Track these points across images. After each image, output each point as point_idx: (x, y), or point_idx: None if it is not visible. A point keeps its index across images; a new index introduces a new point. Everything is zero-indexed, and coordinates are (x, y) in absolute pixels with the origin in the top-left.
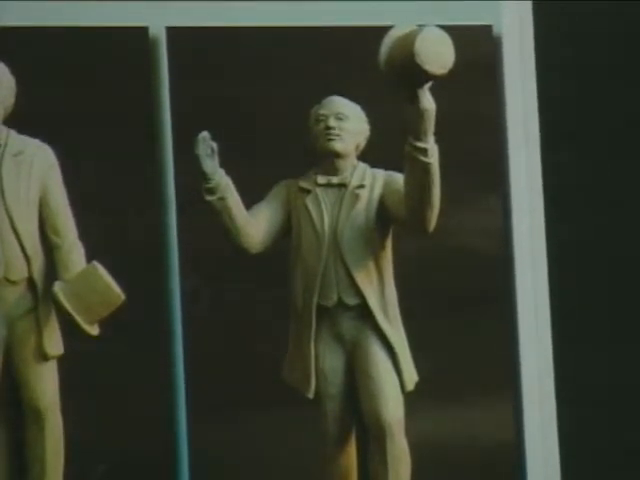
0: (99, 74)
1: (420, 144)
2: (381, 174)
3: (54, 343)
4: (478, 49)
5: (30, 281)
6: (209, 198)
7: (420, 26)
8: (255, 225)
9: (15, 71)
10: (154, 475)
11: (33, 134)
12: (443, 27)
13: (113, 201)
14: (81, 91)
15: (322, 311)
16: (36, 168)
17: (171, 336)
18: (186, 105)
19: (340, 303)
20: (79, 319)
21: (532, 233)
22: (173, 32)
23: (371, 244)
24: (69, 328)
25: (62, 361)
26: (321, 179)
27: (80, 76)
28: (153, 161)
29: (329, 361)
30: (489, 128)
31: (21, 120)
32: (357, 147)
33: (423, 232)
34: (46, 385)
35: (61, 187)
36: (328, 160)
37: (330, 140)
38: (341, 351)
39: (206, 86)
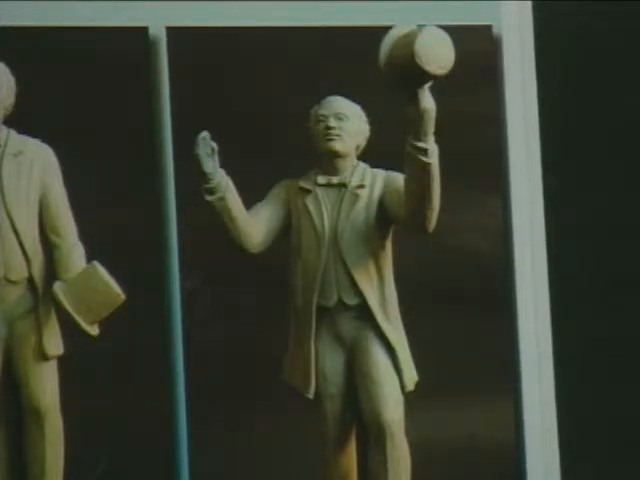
0: (99, 74)
1: (420, 144)
2: (381, 174)
3: (54, 343)
4: (478, 49)
5: (30, 281)
6: (209, 198)
7: (420, 26)
8: (255, 225)
9: (15, 71)
10: (154, 475)
11: (33, 134)
12: (443, 27)
13: (113, 201)
14: (81, 91)
15: (322, 311)
16: (36, 168)
17: (171, 336)
18: (186, 105)
19: (340, 303)
20: (79, 319)
21: (532, 233)
22: (173, 32)
23: (371, 244)
24: (69, 328)
25: (62, 361)
26: (321, 179)
27: (80, 76)
28: (153, 161)
29: (329, 361)
30: (489, 128)
31: (21, 120)
32: (357, 147)
33: (423, 232)
34: (46, 385)
35: (61, 187)
36: (328, 160)
37: (330, 140)
38: (341, 351)
39: (206, 86)
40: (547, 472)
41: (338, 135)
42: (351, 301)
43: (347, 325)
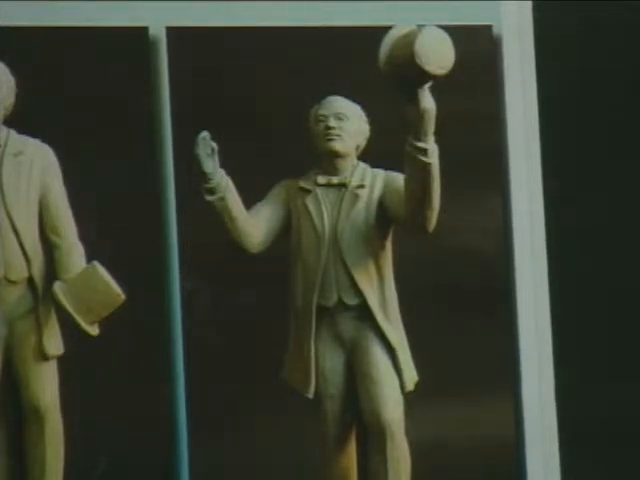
0: (99, 74)
1: (420, 144)
2: (381, 174)
3: (54, 343)
4: (478, 49)
5: (30, 281)
6: (209, 198)
7: (420, 26)
8: (255, 225)
9: (15, 71)
10: (154, 475)
11: (33, 134)
12: (443, 27)
13: (113, 201)
14: (81, 91)
15: (322, 311)
16: (36, 168)
17: (171, 336)
18: (186, 105)
19: (340, 303)
20: (79, 319)
21: (532, 233)
22: (173, 32)
23: (371, 244)
24: (69, 328)
25: (62, 361)
26: (321, 179)
27: (80, 76)
28: (153, 161)
29: (329, 361)
30: (489, 128)
31: (21, 120)
32: (357, 147)
33: (423, 232)
34: (46, 385)
35: (61, 187)
36: (328, 160)
37: (330, 140)
38: (341, 351)
39: (206, 86)
40: (547, 472)
41: (338, 135)
42: (351, 301)
43: (347, 325)
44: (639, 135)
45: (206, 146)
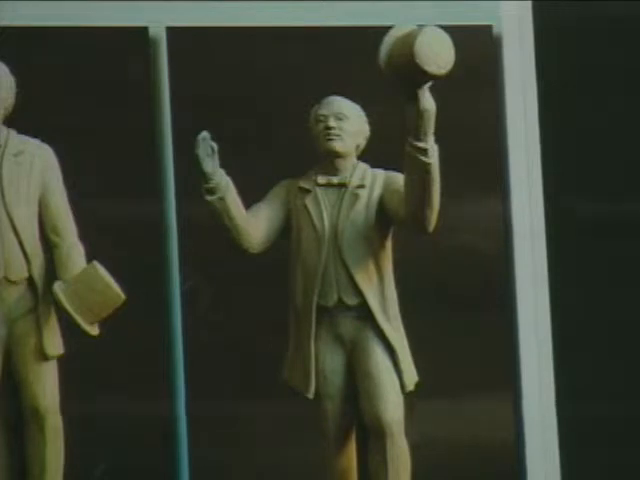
0: (99, 74)
1: (420, 144)
2: (381, 174)
3: (54, 343)
4: (478, 49)
5: (30, 281)
6: (209, 198)
7: (420, 26)
8: (255, 225)
9: (15, 71)
10: (154, 475)
11: (33, 134)
12: (443, 27)
13: (113, 201)
14: (81, 91)
15: (322, 311)
16: (36, 168)
17: (171, 336)
18: (186, 105)
19: (340, 303)
20: (79, 319)
21: (532, 233)
22: (173, 32)
23: (371, 244)
24: (69, 328)
25: (62, 361)
26: (321, 179)
27: (80, 76)
28: (153, 161)
29: (329, 361)
30: (489, 128)
31: (21, 120)
32: (357, 147)
33: (423, 232)
34: (46, 385)
35: (61, 187)
36: (328, 160)
37: (330, 140)
38: (341, 351)
39: (206, 86)
40: (547, 472)
41: (338, 135)
42: (351, 301)
43: (347, 325)
44: (639, 135)
45: (206, 146)
